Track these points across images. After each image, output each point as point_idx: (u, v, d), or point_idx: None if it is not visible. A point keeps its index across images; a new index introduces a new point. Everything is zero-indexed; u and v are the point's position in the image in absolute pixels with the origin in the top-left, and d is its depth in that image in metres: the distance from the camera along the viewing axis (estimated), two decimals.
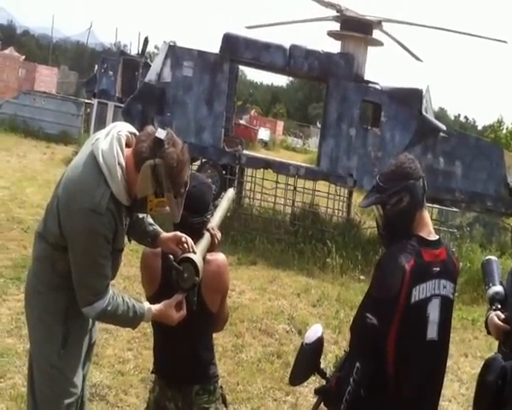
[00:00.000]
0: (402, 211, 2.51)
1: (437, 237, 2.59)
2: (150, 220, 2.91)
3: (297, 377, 2.75)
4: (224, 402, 2.87)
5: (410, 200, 2.50)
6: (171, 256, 2.53)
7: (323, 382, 2.64)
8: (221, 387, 2.87)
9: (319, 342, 2.58)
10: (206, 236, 2.71)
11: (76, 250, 2.59)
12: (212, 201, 2.77)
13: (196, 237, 2.66)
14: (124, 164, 2.58)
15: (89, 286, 2.60)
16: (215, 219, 2.86)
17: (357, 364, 2.41)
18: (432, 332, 2.48)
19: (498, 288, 2.98)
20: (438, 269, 2.49)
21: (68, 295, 2.69)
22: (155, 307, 2.64)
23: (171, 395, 2.72)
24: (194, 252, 2.57)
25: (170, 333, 2.69)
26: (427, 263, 2.46)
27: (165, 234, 2.81)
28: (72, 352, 2.83)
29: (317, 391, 2.67)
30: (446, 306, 2.54)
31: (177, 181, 2.54)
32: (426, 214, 2.59)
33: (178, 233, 2.68)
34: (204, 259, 2.62)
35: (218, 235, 2.78)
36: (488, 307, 3.04)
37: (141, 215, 2.87)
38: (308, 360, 2.60)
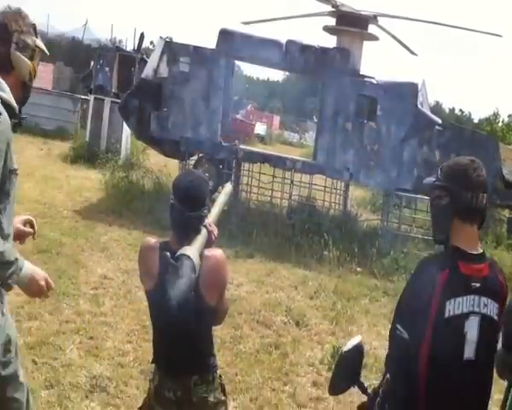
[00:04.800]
0: (439, 209, 2.38)
1: (480, 251, 2.38)
2: None
3: (335, 387, 2.68)
4: (223, 392, 2.91)
5: (450, 204, 2.33)
6: (167, 253, 2.55)
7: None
8: (220, 376, 2.91)
9: (357, 351, 2.53)
10: (203, 231, 2.73)
11: None
12: (208, 196, 2.79)
13: (193, 233, 2.69)
14: None
15: None
16: (212, 215, 2.88)
17: (387, 375, 2.33)
18: (469, 352, 2.27)
19: None
20: (477, 285, 2.28)
21: None
22: (31, 266, 2.69)
23: (171, 384, 2.77)
24: (191, 248, 2.59)
25: (168, 326, 2.73)
26: (465, 276, 2.27)
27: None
28: None
29: (359, 409, 2.60)
30: (488, 326, 2.31)
31: (31, 30, 2.63)
32: (470, 230, 2.36)
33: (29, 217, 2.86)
34: (201, 254, 2.64)
35: (215, 231, 2.80)
36: None
37: None
38: (346, 368, 2.54)
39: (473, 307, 2.27)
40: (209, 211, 2.84)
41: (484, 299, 2.30)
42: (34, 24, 2.76)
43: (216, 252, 2.76)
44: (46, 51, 2.81)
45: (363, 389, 2.57)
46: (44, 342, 5.22)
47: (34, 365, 4.83)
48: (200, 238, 2.68)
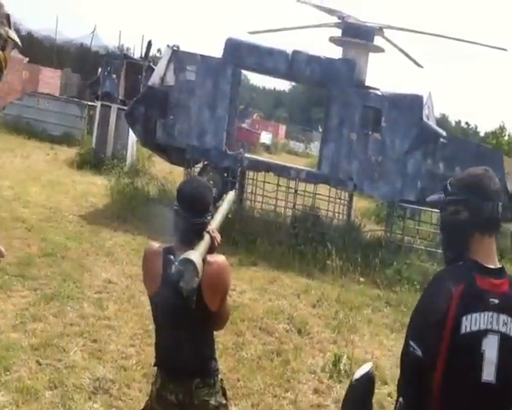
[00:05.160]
0: (456, 225, 2.22)
1: (499, 265, 2.23)
2: None
3: None
4: (225, 395, 2.94)
5: (469, 217, 2.18)
6: (171, 257, 2.59)
7: None
8: (221, 380, 2.95)
9: (368, 379, 2.33)
10: (206, 237, 2.76)
11: None
12: (212, 203, 2.84)
13: (197, 238, 2.72)
14: None
15: None
16: (215, 221, 2.91)
17: (400, 399, 2.19)
18: (488, 374, 2.08)
19: None
20: (496, 301, 2.12)
21: None
22: None
23: (173, 387, 2.81)
24: (194, 252, 2.61)
25: (171, 330, 2.78)
26: (482, 291, 2.12)
27: None
28: None
29: None
30: (510, 347, 2.12)
31: (4, 21, 2.68)
32: (489, 241, 2.22)
33: None
34: (204, 260, 2.66)
35: (218, 237, 2.83)
36: None
37: None
38: (356, 398, 2.35)
39: (491, 325, 2.10)
40: (212, 217, 2.88)
41: (503, 317, 2.12)
42: (8, 14, 2.77)
43: (218, 258, 2.80)
44: (19, 42, 2.83)
45: None
46: (49, 344, 5.27)
47: (38, 366, 4.88)
48: (203, 244, 2.71)
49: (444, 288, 2.12)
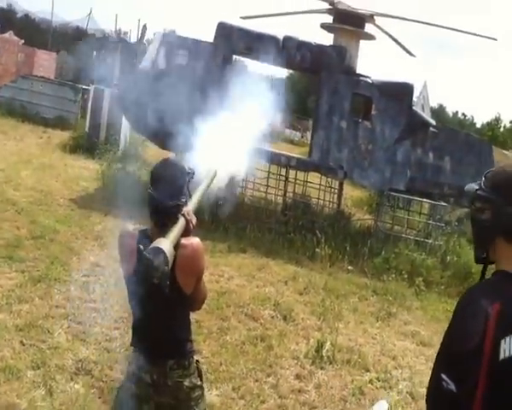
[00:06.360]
0: (479, 223, 2.01)
1: None
2: None
3: None
4: (200, 376, 2.97)
5: (491, 219, 1.96)
6: (141, 246, 2.56)
7: None
8: (197, 361, 2.97)
9: None
10: (181, 221, 2.73)
11: None
12: (186, 184, 2.80)
13: (171, 221, 2.70)
14: None
15: None
16: (192, 203, 2.88)
17: None
18: None
19: None
20: None
21: None
22: None
23: (147, 368, 2.83)
24: (165, 240, 2.58)
25: (146, 312, 2.78)
26: None
27: None
28: None
29: None
30: None
31: None
32: None
33: None
34: (178, 243, 2.66)
35: (194, 219, 2.80)
36: None
37: None
38: None
39: None
40: (189, 198, 2.86)
41: None
42: None
43: (193, 240, 2.78)
44: None
45: None
46: (33, 325, 5.32)
47: (22, 346, 4.93)
48: (177, 228, 2.69)
49: (478, 308, 1.84)
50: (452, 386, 1.80)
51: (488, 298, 1.84)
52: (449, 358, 1.87)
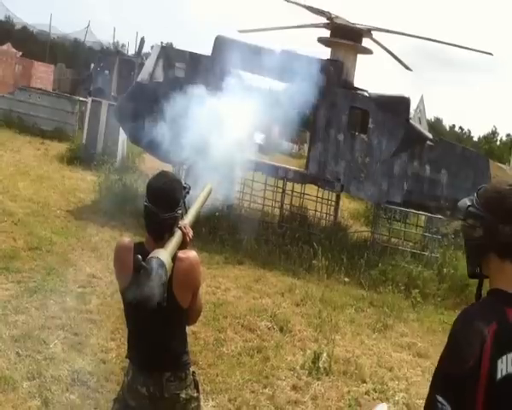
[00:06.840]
0: (471, 241, 2.00)
1: None
2: None
3: None
4: (197, 388, 2.97)
5: (483, 236, 1.94)
6: (139, 256, 2.54)
7: None
8: (193, 373, 2.97)
9: None
10: (178, 233, 2.74)
11: None
12: (182, 197, 2.81)
13: (168, 234, 2.71)
14: None
15: None
16: (189, 216, 2.90)
17: None
18: None
19: None
20: None
21: None
22: None
23: (143, 380, 2.83)
24: (163, 251, 2.59)
25: (142, 325, 2.79)
26: None
27: None
28: None
29: None
30: None
31: None
32: (511, 268, 1.94)
33: None
34: (175, 256, 2.66)
35: (190, 233, 2.82)
36: None
37: None
38: None
39: None
40: (186, 212, 2.88)
41: None
42: None
43: (190, 254, 2.78)
44: None
45: None
46: (29, 336, 5.31)
47: (18, 356, 4.92)
48: (174, 240, 2.70)
49: (474, 329, 1.83)
50: (448, 408, 1.79)
51: (484, 319, 1.83)
52: (445, 380, 1.86)
